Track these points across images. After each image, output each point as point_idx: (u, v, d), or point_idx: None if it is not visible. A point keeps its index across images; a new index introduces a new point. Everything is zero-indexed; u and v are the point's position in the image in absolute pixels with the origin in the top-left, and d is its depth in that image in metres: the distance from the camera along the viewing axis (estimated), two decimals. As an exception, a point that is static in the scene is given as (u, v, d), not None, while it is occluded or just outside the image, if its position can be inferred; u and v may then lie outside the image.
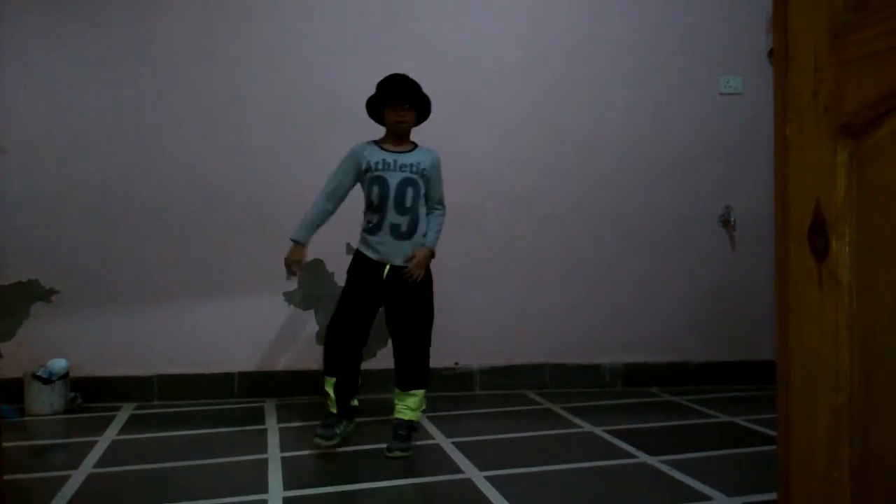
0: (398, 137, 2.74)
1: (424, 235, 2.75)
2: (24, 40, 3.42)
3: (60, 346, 3.37)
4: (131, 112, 3.49)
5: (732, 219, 3.83)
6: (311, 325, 3.61)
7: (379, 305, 2.73)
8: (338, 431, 2.62)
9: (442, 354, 3.62)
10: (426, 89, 3.68)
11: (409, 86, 2.71)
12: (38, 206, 3.42)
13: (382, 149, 2.72)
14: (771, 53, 0.91)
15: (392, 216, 2.66)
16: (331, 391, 2.66)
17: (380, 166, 2.68)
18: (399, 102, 2.69)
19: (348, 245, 3.61)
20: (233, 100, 3.55)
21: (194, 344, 3.50)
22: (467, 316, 3.67)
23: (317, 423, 3.03)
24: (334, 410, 2.66)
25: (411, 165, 2.70)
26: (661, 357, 3.81)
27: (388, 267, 2.67)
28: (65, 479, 2.36)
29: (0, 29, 3.41)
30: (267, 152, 3.58)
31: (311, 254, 3.58)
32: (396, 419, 2.69)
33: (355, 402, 2.75)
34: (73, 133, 3.45)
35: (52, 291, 3.43)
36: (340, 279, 3.62)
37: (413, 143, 2.80)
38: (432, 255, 2.76)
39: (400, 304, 2.69)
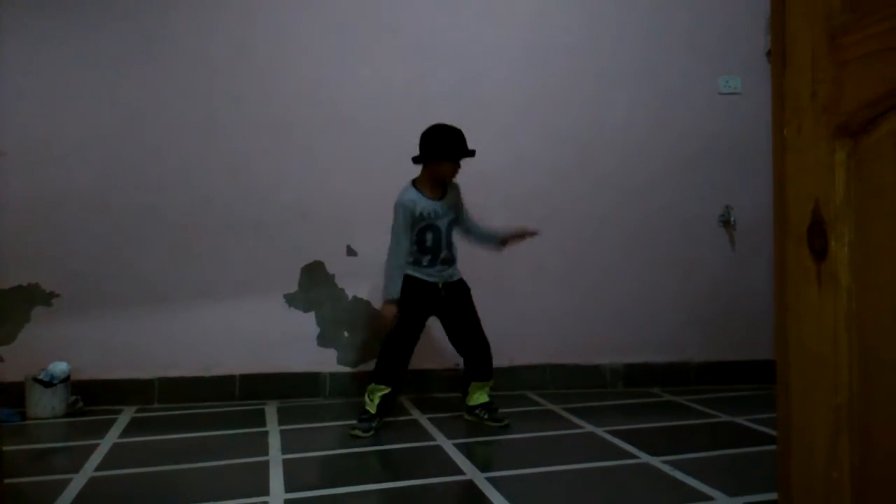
0: (438, 183, 2.99)
1: (492, 232, 3.18)
2: (22, 43, 3.42)
3: (61, 349, 3.37)
4: (131, 116, 3.49)
5: (732, 219, 3.83)
6: (311, 327, 3.61)
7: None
8: (374, 425, 2.89)
9: (442, 356, 3.63)
10: (427, 90, 3.72)
11: (467, 147, 2.98)
12: (37, 209, 3.42)
13: (425, 196, 2.96)
14: (769, 54, 0.91)
15: (444, 254, 3.00)
16: (378, 399, 2.92)
17: (432, 216, 2.95)
18: (460, 159, 2.96)
19: (349, 247, 3.62)
20: (232, 103, 3.55)
21: (195, 346, 3.50)
22: (468, 317, 3.67)
23: (317, 424, 3.03)
24: (373, 412, 2.91)
25: (449, 208, 3.00)
26: (662, 357, 3.81)
27: (441, 284, 3.00)
28: (66, 482, 2.36)
29: (-1, 33, 3.41)
30: (266, 156, 3.58)
31: (310, 256, 3.60)
32: (485, 403, 3.07)
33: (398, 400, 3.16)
34: (73, 136, 3.45)
35: (52, 295, 3.44)
36: (340, 281, 3.64)
37: (444, 183, 3.03)
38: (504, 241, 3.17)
39: (461, 310, 3.05)
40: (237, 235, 3.56)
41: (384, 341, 3.00)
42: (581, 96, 3.79)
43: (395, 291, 2.90)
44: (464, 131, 3.69)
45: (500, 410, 3.07)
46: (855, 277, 0.83)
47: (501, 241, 3.14)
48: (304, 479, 2.37)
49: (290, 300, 3.59)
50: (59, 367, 3.28)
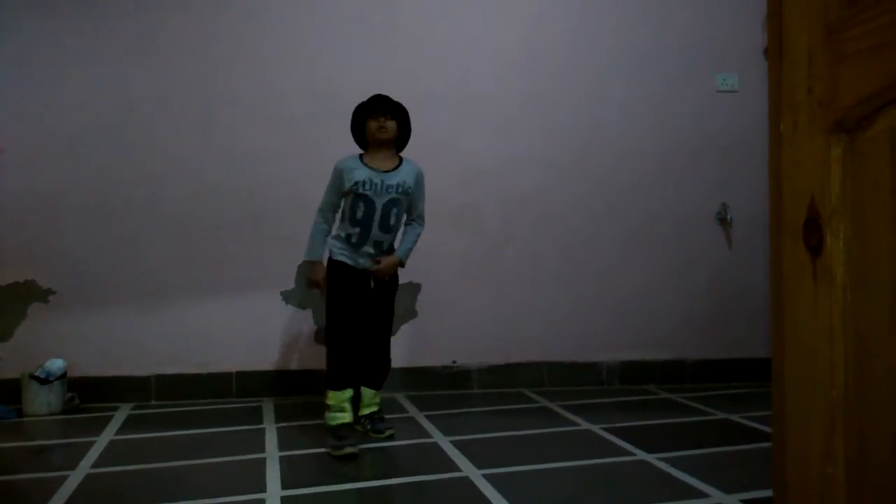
0: (382, 151, 2.78)
1: (396, 247, 2.88)
2: (20, 39, 3.41)
3: (58, 346, 3.37)
4: (128, 111, 3.49)
5: (729, 216, 3.84)
6: (308, 324, 3.61)
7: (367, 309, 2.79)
8: (357, 436, 2.73)
9: (440, 353, 3.64)
10: (423, 88, 3.71)
11: (386, 98, 2.80)
12: (35, 205, 3.41)
13: (368, 166, 2.75)
14: (766, 51, 0.91)
15: (376, 234, 2.74)
16: (348, 404, 2.70)
17: (366, 187, 2.72)
18: (380, 111, 2.76)
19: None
20: (231, 99, 3.55)
21: (192, 344, 3.50)
22: (465, 314, 3.68)
23: (314, 421, 3.03)
24: (349, 420, 2.70)
25: (397, 185, 2.75)
26: (659, 355, 3.82)
27: (372, 275, 2.78)
28: (62, 479, 2.35)
29: (-4, 29, 3.40)
30: (264, 151, 3.57)
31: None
32: (371, 413, 2.86)
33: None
34: (70, 132, 3.45)
35: (49, 292, 3.43)
36: (338, 278, 3.63)
37: (399, 157, 2.84)
38: (401, 264, 2.87)
39: (377, 308, 2.81)
40: (235, 232, 3.55)
41: (326, 343, 2.79)
42: (578, 94, 3.79)
43: (318, 254, 2.78)
44: (460, 129, 3.72)
45: (386, 419, 2.91)
46: (850, 273, 0.83)
47: (378, 261, 2.82)
48: (300, 477, 2.37)
49: (287, 297, 3.59)
50: (56, 364, 3.28)
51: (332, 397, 2.69)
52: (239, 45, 3.56)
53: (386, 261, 2.79)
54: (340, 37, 3.62)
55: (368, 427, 2.83)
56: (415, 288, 3.64)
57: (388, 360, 2.89)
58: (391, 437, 2.79)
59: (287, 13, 3.59)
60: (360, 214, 2.72)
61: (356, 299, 2.75)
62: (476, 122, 3.71)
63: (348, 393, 2.69)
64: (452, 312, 3.67)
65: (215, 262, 3.54)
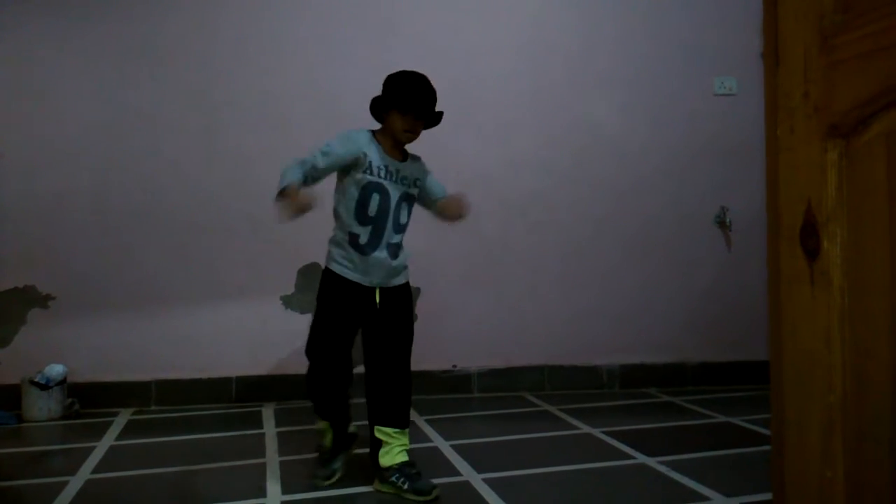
0: (398, 145, 2.34)
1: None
2: (19, 43, 3.42)
3: (58, 351, 3.37)
4: (128, 116, 3.49)
5: (728, 219, 3.84)
6: (308, 329, 3.60)
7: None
8: (336, 467, 2.37)
9: (440, 357, 3.63)
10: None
11: (433, 101, 2.35)
12: (34, 210, 3.41)
13: (382, 149, 2.30)
14: (763, 54, 0.91)
15: (388, 234, 2.27)
16: (328, 433, 2.40)
17: (382, 173, 2.25)
18: (420, 114, 2.30)
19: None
20: (230, 103, 3.55)
21: (192, 349, 3.50)
22: (465, 318, 3.68)
23: (314, 426, 3.02)
24: (328, 445, 2.41)
25: (410, 179, 2.33)
26: (659, 358, 3.81)
27: (378, 290, 2.29)
28: (62, 485, 2.35)
29: (-5, 35, 3.41)
30: (264, 156, 3.57)
31: (307, 257, 3.59)
32: (402, 464, 2.24)
33: (353, 429, 2.47)
34: (70, 137, 3.45)
35: (48, 297, 3.43)
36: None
37: (405, 150, 2.39)
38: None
39: (395, 328, 2.31)
40: (234, 237, 3.56)
41: (309, 366, 2.36)
42: (577, 98, 3.79)
43: (293, 180, 2.18)
44: (460, 133, 3.71)
45: (423, 476, 2.25)
46: (847, 277, 0.83)
47: (439, 209, 2.44)
48: (301, 482, 2.37)
49: (287, 302, 3.59)
50: (56, 370, 3.28)
51: (321, 426, 2.43)
52: (238, 48, 3.56)
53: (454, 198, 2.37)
54: (340, 40, 3.63)
55: (405, 486, 2.19)
56: (414, 292, 3.64)
57: (410, 389, 2.33)
58: (438, 499, 2.18)
59: (287, 16, 3.60)
60: (373, 208, 2.23)
61: (354, 320, 2.31)
62: (475, 127, 3.72)
63: (326, 425, 2.40)
64: (452, 316, 3.67)
65: (215, 266, 3.54)
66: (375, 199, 2.24)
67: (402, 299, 2.35)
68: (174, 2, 3.54)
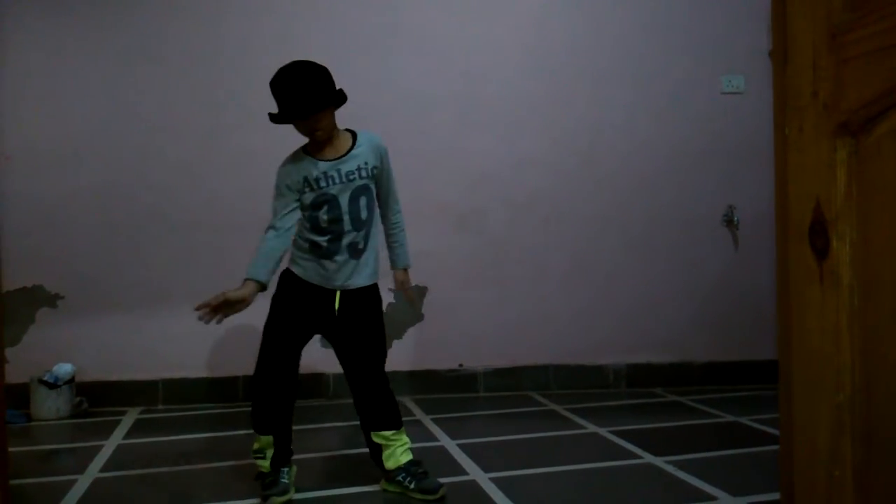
0: (325, 143, 2.21)
1: (396, 253, 2.34)
2: (24, 45, 3.44)
3: (66, 350, 3.38)
4: (133, 116, 3.51)
5: (735, 218, 3.82)
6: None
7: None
8: (287, 481, 2.22)
9: (446, 356, 3.63)
10: (426, 91, 3.72)
11: (304, 95, 2.15)
12: (41, 211, 3.43)
13: (314, 158, 2.19)
14: (772, 52, 0.91)
15: (349, 236, 2.17)
16: (269, 450, 2.22)
17: (323, 182, 2.15)
18: (304, 115, 2.15)
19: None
20: (234, 102, 3.56)
21: (199, 348, 3.51)
22: (471, 318, 3.68)
23: (320, 424, 3.03)
24: (267, 468, 2.22)
25: (359, 170, 2.18)
26: (665, 357, 3.81)
27: (339, 294, 2.19)
28: (71, 483, 2.36)
29: (1, 34, 3.43)
30: (269, 155, 3.56)
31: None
32: (408, 463, 2.22)
33: (291, 448, 2.32)
34: (76, 138, 3.47)
35: (56, 296, 3.45)
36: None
37: (348, 133, 2.25)
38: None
39: (359, 333, 2.22)
40: (241, 235, 3.55)
41: (255, 369, 2.25)
42: (583, 96, 3.78)
43: (258, 273, 2.19)
44: (465, 132, 3.71)
45: (430, 475, 2.22)
46: (857, 275, 0.83)
47: (397, 274, 2.39)
48: (307, 480, 2.37)
49: (294, 301, 3.59)
50: (64, 369, 3.29)
51: (258, 441, 2.24)
52: (242, 48, 3.57)
53: (406, 280, 2.39)
54: (344, 40, 3.63)
55: (411, 486, 2.18)
56: (421, 291, 3.65)
57: (390, 393, 2.26)
58: (444, 498, 2.16)
59: (290, 17, 3.60)
60: (325, 218, 2.16)
61: (309, 325, 2.22)
62: (481, 126, 3.71)
63: (271, 438, 2.22)
64: (458, 315, 3.67)
65: (221, 265, 3.53)
66: (325, 210, 2.17)
67: (366, 301, 2.23)
68: (179, 3, 3.54)
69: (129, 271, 3.48)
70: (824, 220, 0.85)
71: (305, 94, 2.14)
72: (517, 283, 3.73)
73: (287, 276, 2.25)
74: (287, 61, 3.58)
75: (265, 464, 2.22)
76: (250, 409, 2.26)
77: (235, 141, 3.55)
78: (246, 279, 2.19)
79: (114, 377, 3.45)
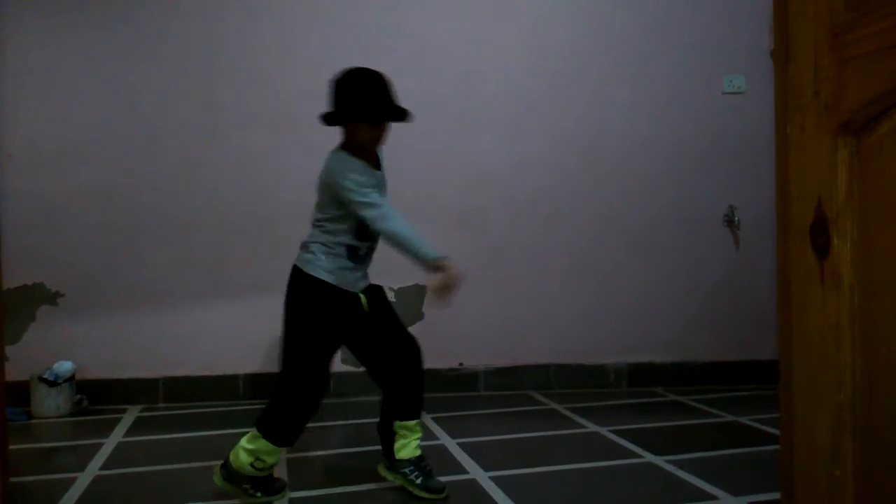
0: (370, 152, 2.22)
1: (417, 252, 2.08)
2: (25, 44, 3.44)
3: (66, 348, 3.38)
4: (134, 115, 3.51)
5: (736, 218, 3.82)
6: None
7: None
8: (280, 486, 2.22)
9: (446, 355, 3.63)
10: (428, 90, 3.71)
11: (395, 97, 2.21)
12: (42, 209, 3.43)
13: (370, 167, 2.19)
14: (773, 52, 0.91)
15: (377, 242, 2.21)
16: (273, 459, 2.13)
17: (382, 192, 2.19)
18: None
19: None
20: (235, 102, 3.56)
21: (200, 346, 3.51)
22: (471, 317, 3.67)
23: (321, 423, 3.03)
24: (266, 472, 2.16)
25: (386, 181, 2.25)
26: (666, 357, 3.81)
27: (361, 296, 2.17)
28: (71, 481, 2.37)
29: (1, 32, 3.43)
30: (269, 155, 3.58)
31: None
32: (419, 458, 2.21)
33: None
34: (77, 136, 3.47)
35: (57, 294, 3.45)
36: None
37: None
38: None
39: (395, 321, 2.24)
40: (242, 234, 3.57)
41: (285, 384, 2.15)
42: (584, 96, 3.78)
43: (434, 250, 2.05)
44: (465, 131, 3.71)
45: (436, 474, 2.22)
46: (858, 275, 0.83)
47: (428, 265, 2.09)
48: (308, 479, 2.38)
49: (294, 300, 3.59)
50: (64, 367, 3.29)
51: (272, 453, 2.12)
52: (243, 49, 3.57)
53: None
54: (345, 40, 3.63)
55: (418, 481, 2.16)
56: (421, 290, 3.65)
57: (421, 374, 2.24)
58: (448, 499, 2.17)
59: (291, 16, 3.60)
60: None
61: (341, 336, 2.19)
62: (481, 125, 3.71)
63: (278, 453, 2.15)
64: (459, 314, 3.66)
65: (222, 264, 3.55)
66: None
67: (382, 295, 2.26)
68: (179, 3, 3.54)
69: (129, 269, 3.48)
70: (825, 219, 0.85)
71: (391, 97, 2.16)
72: (517, 282, 3.73)
73: (316, 285, 2.13)
74: (287, 62, 3.62)
75: (263, 472, 2.13)
76: (270, 418, 2.12)
77: (236, 141, 3.55)
78: (437, 259, 2.03)
79: (114, 375, 3.46)
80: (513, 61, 3.74)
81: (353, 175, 2.09)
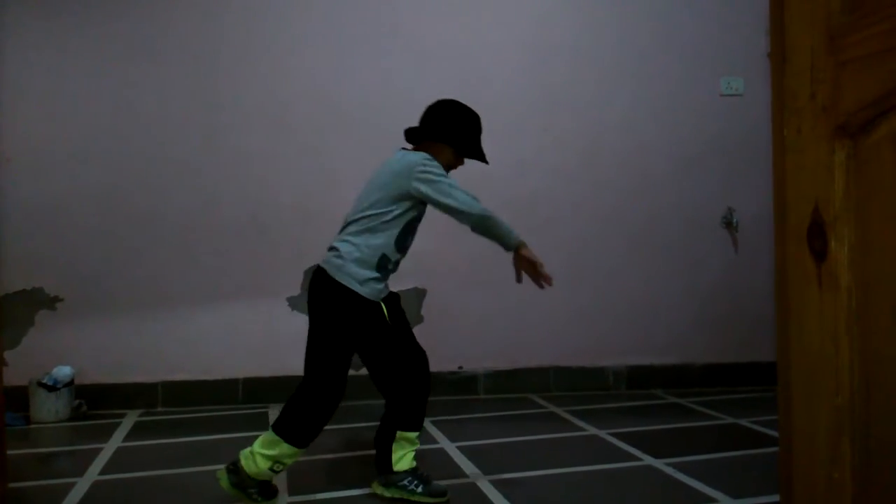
0: None
1: (504, 235, 2.23)
2: (24, 47, 3.44)
3: (65, 353, 3.38)
4: (133, 118, 3.51)
5: (735, 220, 3.83)
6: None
7: None
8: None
9: (446, 358, 3.63)
10: (427, 92, 3.68)
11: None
12: (41, 213, 3.43)
13: None
14: (770, 55, 0.91)
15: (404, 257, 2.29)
16: (290, 461, 2.17)
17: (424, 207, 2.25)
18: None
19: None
20: (234, 105, 3.56)
21: (198, 350, 3.51)
22: (471, 319, 3.67)
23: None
24: (255, 490, 2.17)
25: None
26: (665, 359, 3.80)
27: (383, 304, 2.20)
28: (70, 486, 2.36)
29: (1, 32, 3.43)
30: (268, 157, 3.58)
31: (313, 258, 3.58)
32: (412, 469, 2.21)
33: None
34: (75, 140, 3.47)
35: (56, 299, 3.44)
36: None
37: None
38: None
39: (410, 331, 2.31)
40: (240, 238, 3.56)
41: (310, 387, 2.18)
42: (583, 98, 3.79)
43: (519, 235, 2.20)
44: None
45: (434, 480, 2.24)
46: (855, 278, 0.83)
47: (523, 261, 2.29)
48: (307, 482, 2.37)
49: (294, 303, 3.59)
50: (63, 371, 3.29)
51: (292, 455, 2.15)
52: (242, 51, 3.57)
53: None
54: (343, 42, 3.63)
55: (419, 490, 2.17)
56: (420, 293, 3.65)
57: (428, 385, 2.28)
58: (449, 502, 2.19)
59: (290, 19, 3.60)
60: (410, 241, 2.26)
61: (366, 344, 2.22)
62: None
63: (297, 454, 2.18)
64: (458, 317, 3.67)
65: (221, 268, 3.55)
66: (414, 232, 2.27)
67: (399, 304, 2.31)
68: (178, 3, 3.55)
69: (128, 274, 3.48)
70: (823, 222, 0.85)
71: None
72: (516, 285, 3.72)
73: (345, 295, 2.13)
74: (286, 65, 3.63)
75: (278, 473, 2.17)
76: (291, 420, 2.16)
77: (235, 143, 3.56)
78: (519, 243, 2.20)
79: (113, 380, 3.45)
80: (512, 62, 3.75)
81: (439, 170, 2.19)
